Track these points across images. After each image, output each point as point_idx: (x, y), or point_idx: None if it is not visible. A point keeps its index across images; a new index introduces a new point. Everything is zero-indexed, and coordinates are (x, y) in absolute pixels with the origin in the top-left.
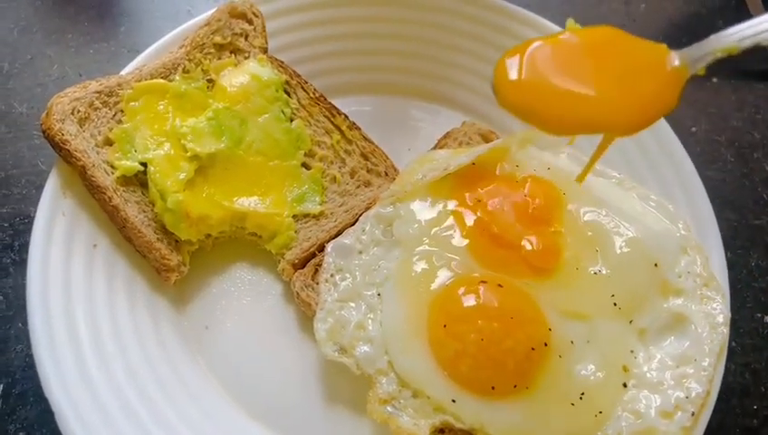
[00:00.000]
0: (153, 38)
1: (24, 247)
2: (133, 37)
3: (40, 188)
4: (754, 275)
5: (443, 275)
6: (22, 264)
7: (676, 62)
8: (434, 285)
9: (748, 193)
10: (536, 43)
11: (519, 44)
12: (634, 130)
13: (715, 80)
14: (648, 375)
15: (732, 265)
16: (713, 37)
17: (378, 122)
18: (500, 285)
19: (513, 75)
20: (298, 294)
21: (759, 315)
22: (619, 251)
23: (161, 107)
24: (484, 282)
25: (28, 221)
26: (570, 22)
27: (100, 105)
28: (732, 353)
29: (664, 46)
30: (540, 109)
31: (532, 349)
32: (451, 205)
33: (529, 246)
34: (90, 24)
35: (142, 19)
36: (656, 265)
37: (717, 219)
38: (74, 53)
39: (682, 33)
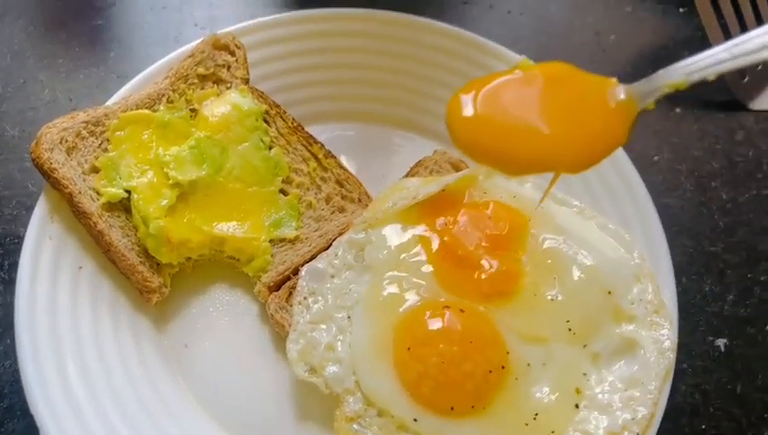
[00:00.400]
0: (142, 64)
1: (14, 267)
2: (122, 63)
3: (30, 208)
4: (707, 300)
5: (409, 300)
6: (11, 283)
7: (622, 97)
8: (400, 309)
9: (705, 221)
10: (489, 84)
11: (470, 82)
12: (581, 168)
13: (678, 110)
14: (599, 397)
15: (686, 291)
16: (661, 72)
17: (354, 149)
18: (462, 310)
19: (465, 113)
20: (272, 315)
21: (710, 339)
22: (575, 278)
23: (146, 136)
24: (447, 307)
25: (18, 241)
26: (524, 60)
27: (87, 135)
28: (683, 375)
29: (612, 81)
30: (488, 149)
31: (490, 372)
32: (419, 231)
33: (489, 270)
34: (81, 49)
35: (132, 45)
36: (609, 292)
37: (674, 246)
38: (65, 78)
39: (650, 65)
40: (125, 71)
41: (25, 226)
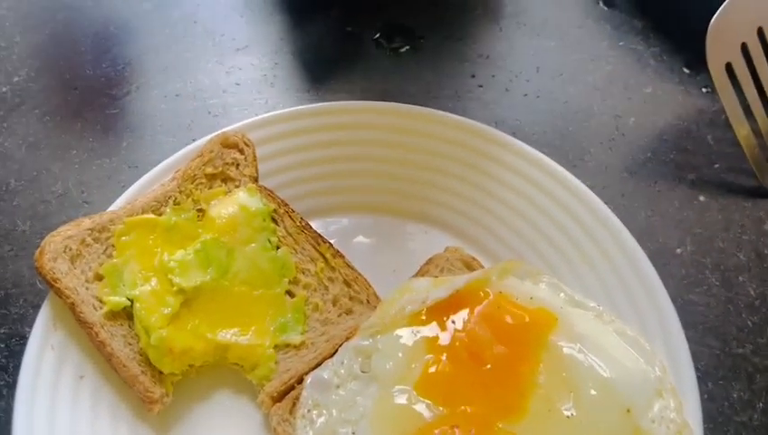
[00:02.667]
0: (153, 153)
1: (18, 369)
2: (135, 153)
3: (37, 307)
4: (736, 409)
5: (417, 417)
6: (14, 387)
7: None
8: (407, 428)
9: (732, 319)
10: None
11: None
12: None
13: (702, 198)
14: None
15: (713, 397)
16: None
17: (363, 244)
18: (471, 431)
19: None
20: (275, 428)
21: None
22: (592, 394)
23: (151, 240)
24: (456, 426)
25: (24, 342)
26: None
27: (92, 241)
28: None
29: None
30: None
31: None
32: (428, 337)
33: (503, 380)
34: (94, 139)
35: (144, 134)
36: (629, 410)
37: (699, 347)
38: (78, 168)
39: (671, 149)
40: (137, 160)
41: (32, 325)
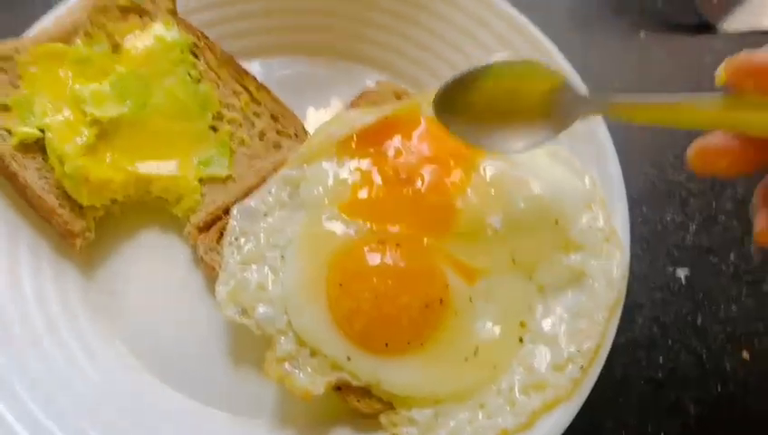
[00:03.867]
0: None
1: None
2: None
3: None
4: (669, 230)
5: (343, 236)
6: None
7: None
8: (334, 246)
9: (669, 148)
10: None
11: None
12: None
13: (642, 34)
14: (545, 330)
15: (647, 220)
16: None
17: (292, 84)
18: (398, 244)
19: None
20: (202, 257)
21: (671, 269)
22: (520, 208)
23: (61, 73)
24: (382, 241)
25: None
26: None
27: None
28: (641, 308)
29: None
30: None
31: (427, 306)
32: (357, 163)
33: (429, 199)
34: None
35: None
36: (557, 221)
37: (636, 175)
38: None
39: None
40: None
41: None
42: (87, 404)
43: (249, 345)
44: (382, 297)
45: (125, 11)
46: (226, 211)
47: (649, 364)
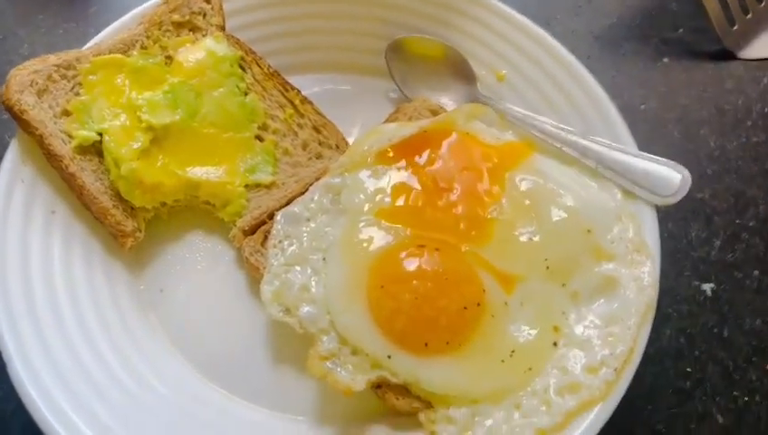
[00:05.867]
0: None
1: None
2: (102, 17)
3: None
4: (693, 246)
5: (384, 241)
6: None
7: None
8: (375, 250)
9: (692, 168)
10: None
11: None
12: None
13: (665, 60)
14: (578, 335)
15: (672, 236)
16: None
17: (333, 100)
18: (437, 249)
19: None
20: (247, 259)
21: (697, 283)
22: (554, 218)
23: (119, 81)
24: (422, 246)
25: None
26: None
27: (59, 78)
28: (668, 319)
29: None
30: None
31: (465, 308)
32: (396, 172)
33: (466, 208)
34: (61, 6)
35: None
36: (589, 231)
37: None
38: (44, 33)
39: (636, 14)
40: (104, 25)
41: None
42: (135, 398)
43: (290, 345)
44: (422, 299)
45: (178, 26)
46: (270, 216)
47: (677, 374)
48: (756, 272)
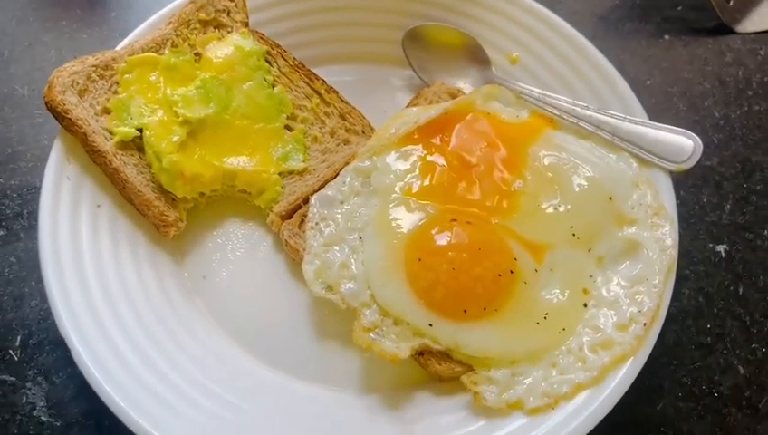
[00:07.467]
0: (142, 21)
1: (33, 215)
2: (124, 21)
3: (44, 161)
4: (706, 210)
5: (417, 217)
6: (30, 229)
7: None
8: (409, 226)
9: (700, 137)
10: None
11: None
12: None
13: (666, 37)
14: (606, 295)
15: (684, 202)
16: None
17: (354, 89)
18: (469, 222)
19: None
20: (287, 241)
21: (711, 245)
22: (576, 188)
23: (153, 78)
24: (454, 220)
25: (35, 191)
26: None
27: (97, 78)
28: (686, 280)
29: None
30: None
31: (499, 275)
32: (423, 152)
33: (493, 182)
34: (82, 11)
35: (132, 3)
36: (610, 198)
37: None
38: (69, 38)
39: None
40: (126, 28)
41: (41, 177)
42: (190, 377)
43: (331, 321)
44: (458, 269)
45: (204, 24)
46: (305, 201)
47: (698, 331)
48: (766, 232)
